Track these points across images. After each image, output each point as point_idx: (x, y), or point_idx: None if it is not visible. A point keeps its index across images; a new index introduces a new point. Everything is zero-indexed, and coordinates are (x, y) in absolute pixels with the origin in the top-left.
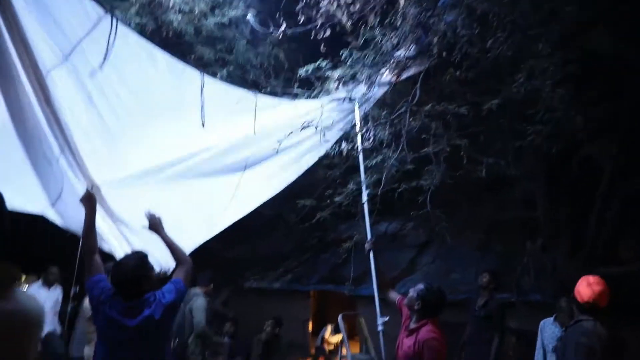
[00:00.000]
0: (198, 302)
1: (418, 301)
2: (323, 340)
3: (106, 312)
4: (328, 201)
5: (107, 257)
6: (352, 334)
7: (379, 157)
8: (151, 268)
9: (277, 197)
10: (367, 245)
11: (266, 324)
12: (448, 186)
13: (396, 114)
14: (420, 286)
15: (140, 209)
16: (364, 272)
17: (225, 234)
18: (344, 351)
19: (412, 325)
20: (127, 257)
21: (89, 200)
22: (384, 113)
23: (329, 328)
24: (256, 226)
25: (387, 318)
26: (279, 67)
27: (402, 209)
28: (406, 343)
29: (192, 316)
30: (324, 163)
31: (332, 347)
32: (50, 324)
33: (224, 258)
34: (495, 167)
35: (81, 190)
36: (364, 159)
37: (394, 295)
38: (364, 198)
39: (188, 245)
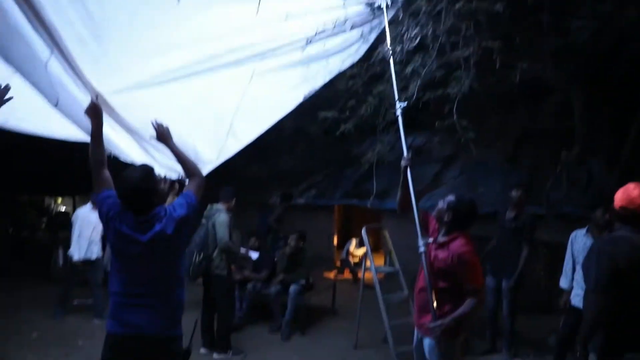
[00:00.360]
0: (220, 217)
1: (448, 212)
2: (348, 253)
3: (117, 227)
4: (347, 113)
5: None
6: (377, 246)
7: (407, 65)
8: (159, 180)
9: (298, 109)
10: (403, 162)
11: (290, 237)
12: (477, 95)
13: (424, 14)
14: (451, 197)
15: (150, 118)
16: (387, 186)
17: (247, 151)
18: (368, 263)
19: (442, 239)
20: (132, 170)
21: (95, 112)
22: (410, 13)
23: (354, 241)
24: (277, 142)
25: (430, 239)
26: None
27: (428, 122)
28: (439, 256)
29: (215, 231)
30: (347, 73)
31: (357, 260)
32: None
33: (246, 175)
34: (530, 71)
35: (81, 99)
36: (388, 66)
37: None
38: (398, 111)
39: (208, 161)
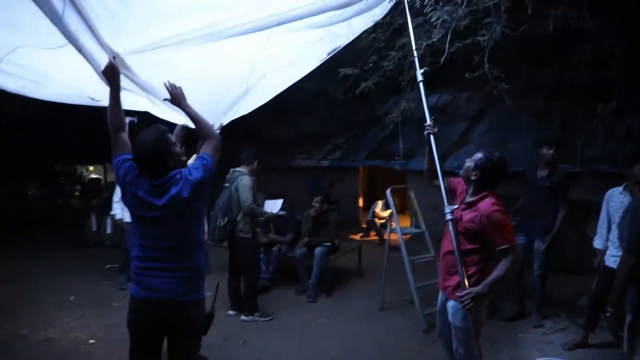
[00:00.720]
0: (243, 180)
1: (476, 171)
2: (374, 215)
3: (133, 191)
4: (369, 70)
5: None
6: (403, 208)
7: (433, 13)
8: (173, 143)
9: (318, 69)
10: (426, 130)
11: (314, 200)
12: (507, 45)
13: None
14: (479, 155)
15: (164, 79)
16: (412, 147)
17: (269, 113)
18: (394, 225)
19: (469, 198)
20: (145, 133)
21: (112, 73)
22: None
23: (380, 203)
24: (299, 103)
25: (456, 207)
26: None
27: (454, 78)
28: (465, 217)
29: (238, 195)
30: (368, 29)
31: (383, 222)
32: None
33: (269, 137)
34: (565, 19)
35: (98, 56)
36: (412, 16)
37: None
38: (419, 75)
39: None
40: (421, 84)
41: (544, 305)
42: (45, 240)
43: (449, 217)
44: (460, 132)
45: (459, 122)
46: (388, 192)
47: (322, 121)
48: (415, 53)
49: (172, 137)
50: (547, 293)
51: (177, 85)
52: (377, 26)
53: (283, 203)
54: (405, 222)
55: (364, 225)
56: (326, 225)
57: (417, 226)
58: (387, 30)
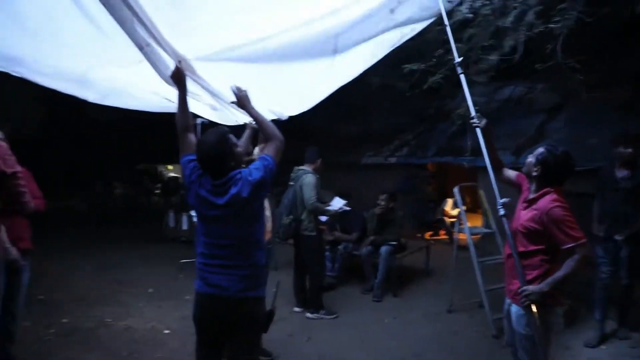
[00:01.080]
0: (307, 179)
1: (537, 167)
2: (443, 213)
3: (197, 190)
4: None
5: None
6: (475, 206)
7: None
8: (234, 144)
9: (383, 63)
10: (476, 122)
11: (380, 198)
12: (585, 31)
13: None
14: (541, 149)
15: (228, 83)
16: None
17: (336, 111)
18: (462, 224)
19: (531, 196)
20: (207, 134)
21: (179, 77)
22: None
23: (450, 201)
24: (365, 100)
25: (508, 200)
26: None
27: (529, 69)
28: (524, 216)
29: (302, 193)
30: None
31: (453, 220)
32: None
33: (336, 135)
34: None
35: (166, 61)
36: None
37: (511, 174)
38: (460, 72)
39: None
40: (461, 75)
41: (630, 315)
42: (129, 235)
43: (501, 212)
44: (536, 126)
45: (535, 115)
46: (456, 189)
47: (389, 117)
48: (451, 37)
49: (234, 138)
50: (635, 302)
51: (243, 88)
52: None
53: (348, 202)
54: (477, 222)
55: (435, 225)
56: (392, 223)
57: (488, 226)
58: (454, 22)
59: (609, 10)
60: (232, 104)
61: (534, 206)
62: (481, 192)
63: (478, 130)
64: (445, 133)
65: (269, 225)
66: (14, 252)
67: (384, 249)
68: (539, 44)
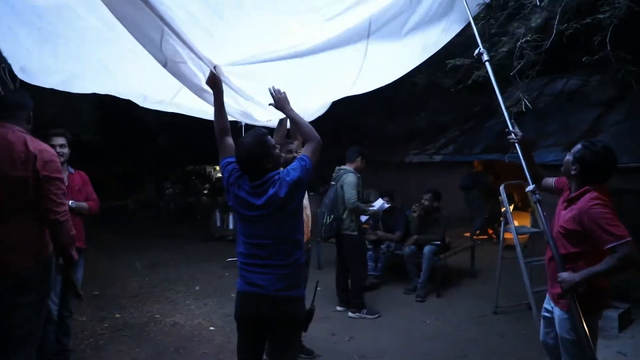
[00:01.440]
0: (348, 178)
1: (575, 165)
2: (490, 212)
3: (235, 192)
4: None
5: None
6: (525, 205)
7: None
8: (272, 146)
9: (429, 61)
10: (512, 138)
11: (424, 197)
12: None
13: None
14: (578, 146)
15: (265, 86)
16: (533, 137)
17: (382, 110)
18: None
19: (571, 195)
20: (246, 136)
21: (214, 82)
22: None
23: (499, 199)
24: (411, 98)
25: (533, 186)
26: None
27: (583, 63)
28: (564, 216)
29: (343, 192)
30: (480, 14)
31: (501, 219)
32: None
33: (383, 134)
34: None
35: (196, 72)
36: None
37: (549, 182)
38: (489, 69)
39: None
40: (488, 64)
41: None
42: (178, 234)
43: (536, 197)
44: (590, 121)
45: (590, 110)
46: (502, 188)
47: (435, 115)
48: (474, 28)
49: (272, 140)
50: None
51: (282, 90)
52: (490, 10)
53: (389, 200)
54: (525, 221)
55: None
56: (436, 223)
57: (536, 225)
58: (500, 15)
59: None
60: (270, 106)
61: (574, 206)
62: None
63: (516, 145)
64: (492, 130)
65: (309, 224)
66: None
67: (427, 249)
68: (587, 35)
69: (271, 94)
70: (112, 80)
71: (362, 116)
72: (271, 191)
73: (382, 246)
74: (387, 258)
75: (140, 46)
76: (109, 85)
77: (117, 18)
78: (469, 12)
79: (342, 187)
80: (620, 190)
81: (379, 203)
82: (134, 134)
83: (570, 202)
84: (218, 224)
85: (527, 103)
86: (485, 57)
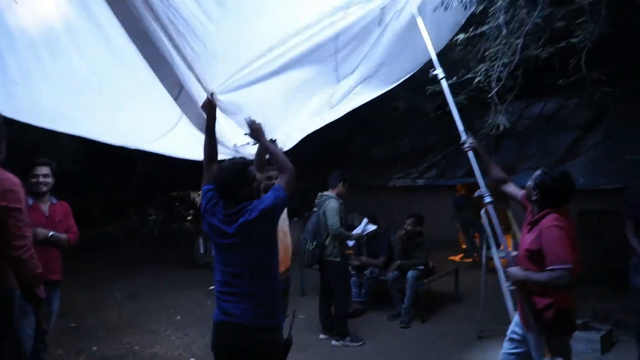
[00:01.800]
0: (330, 204)
1: (536, 190)
2: (474, 235)
3: (210, 219)
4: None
5: None
6: (507, 228)
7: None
8: (251, 176)
9: (409, 86)
10: (468, 144)
11: (406, 221)
12: (616, 42)
13: None
14: (538, 172)
15: (246, 113)
16: (514, 160)
17: (365, 135)
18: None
19: (532, 217)
20: (225, 163)
21: (210, 107)
22: None
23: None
24: (393, 122)
25: (484, 190)
26: None
27: (560, 86)
28: (526, 240)
29: (326, 218)
30: (458, 41)
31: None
32: None
33: (367, 158)
34: None
35: (198, 95)
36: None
37: (515, 190)
38: (445, 86)
39: (297, 136)
40: (443, 82)
41: None
42: (161, 261)
43: (487, 199)
44: (568, 144)
45: (567, 132)
46: (483, 212)
47: (417, 139)
48: (432, 52)
49: (253, 171)
50: None
51: (257, 121)
52: (470, 38)
53: (375, 226)
54: (508, 243)
55: (464, 246)
56: (419, 247)
57: (516, 248)
58: (478, 42)
59: (634, 23)
60: (246, 136)
61: (536, 227)
62: (509, 214)
63: (469, 153)
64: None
65: (289, 251)
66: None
67: (410, 274)
68: (563, 59)
69: (248, 124)
70: (94, 124)
71: (345, 140)
72: (242, 219)
73: (365, 272)
74: (370, 284)
75: (122, 91)
76: (87, 128)
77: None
78: (429, 42)
79: (324, 213)
80: (599, 211)
81: (363, 224)
82: (116, 161)
83: (533, 224)
84: (202, 250)
85: (506, 123)
86: (440, 75)
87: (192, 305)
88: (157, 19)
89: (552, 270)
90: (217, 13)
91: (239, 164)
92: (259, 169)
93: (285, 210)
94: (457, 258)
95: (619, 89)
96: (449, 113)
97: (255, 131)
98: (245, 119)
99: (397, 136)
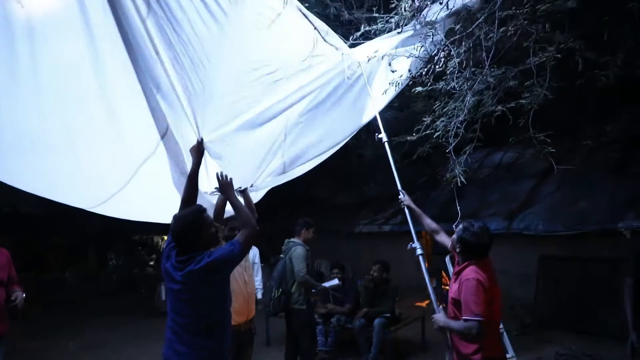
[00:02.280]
0: (297, 251)
1: (458, 243)
2: (442, 282)
3: (164, 263)
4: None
5: None
6: None
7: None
8: (206, 222)
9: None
10: (403, 202)
11: (372, 268)
12: (564, 100)
13: (477, 25)
14: (460, 226)
15: (226, 159)
16: (477, 207)
17: (333, 181)
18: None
19: (457, 269)
20: (180, 212)
21: (197, 151)
22: (458, 26)
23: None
24: (360, 169)
25: (416, 246)
26: None
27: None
28: (452, 289)
29: (292, 265)
30: (423, 93)
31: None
32: None
33: (334, 204)
34: (627, 68)
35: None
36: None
37: (446, 240)
38: (384, 139)
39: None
40: (387, 150)
41: None
42: (121, 309)
43: (419, 251)
44: (527, 191)
45: (526, 180)
46: (447, 259)
47: (384, 186)
48: (379, 121)
49: (208, 218)
50: None
51: (229, 177)
52: (431, 90)
53: (339, 272)
54: None
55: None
56: (385, 294)
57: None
58: (438, 95)
59: (584, 80)
60: (215, 189)
61: (459, 278)
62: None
63: (405, 207)
64: (437, 200)
65: (251, 301)
66: None
67: (377, 322)
68: (514, 116)
69: (217, 178)
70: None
71: (312, 186)
72: (188, 268)
73: (332, 320)
74: (337, 332)
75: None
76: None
77: None
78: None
79: (290, 259)
80: (560, 258)
81: (333, 282)
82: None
83: (457, 274)
84: (163, 297)
85: (463, 179)
86: (384, 139)
87: (149, 357)
88: (158, 53)
89: (465, 320)
90: (215, 56)
91: (194, 212)
92: (216, 219)
93: (249, 259)
94: (423, 304)
95: (565, 145)
96: (414, 161)
97: (224, 185)
98: (217, 173)
99: (364, 182)
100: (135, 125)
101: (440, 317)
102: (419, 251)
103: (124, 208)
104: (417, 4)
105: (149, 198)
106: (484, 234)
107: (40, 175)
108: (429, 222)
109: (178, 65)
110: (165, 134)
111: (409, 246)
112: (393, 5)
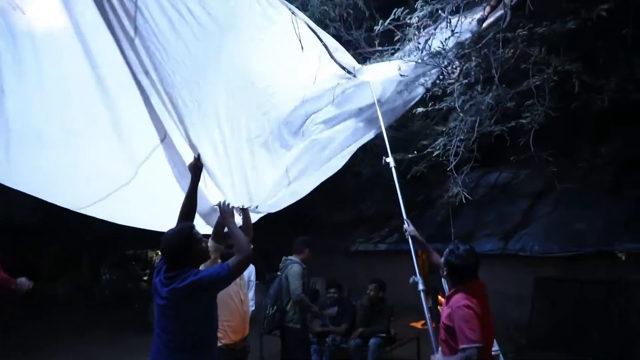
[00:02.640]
0: (293, 269)
1: (445, 267)
2: (437, 301)
3: (155, 277)
4: (417, 154)
5: None
6: None
7: (469, 99)
8: (195, 238)
9: (373, 154)
10: (407, 232)
11: (369, 287)
12: (561, 122)
13: (483, 43)
14: (447, 249)
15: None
16: (473, 227)
17: (330, 200)
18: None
19: (447, 294)
20: (170, 230)
21: (195, 168)
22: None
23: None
24: (357, 188)
25: (417, 278)
26: (359, 16)
27: (515, 156)
28: (443, 313)
29: (288, 283)
30: (418, 113)
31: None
32: None
33: (329, 223)
34: (621, 92)
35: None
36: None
37: (439, 261)
38: (391, 164)
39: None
40: (394, 174)
41: None
42: (114, 324)
43: (420, 287)
44: (522, 211)
45: (521, 201)
46: (443, 280)
47: (380, 205)
48: (386, 139)
49: (197, 234)
50: None
51: (230, 205)
52: (428, 111)
53: (336, 291)
54: None
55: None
56: (381, 314)
57: None
58: (435, 116)
59: (580, 103)
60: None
61: (449, 303)
62: None
63: (409, 237)
64: (433, 219)
65: (245, 320)
66: None
67: (372, 342)
68: (513, 136)
69: (219, 207)
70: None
71: (309, 203)
72: (173, 285)
73: (327, 339)
74: (332, 352)
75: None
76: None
77: None
78: (382, 125)
79: (286, 277)
80: (556, 279)
81: (332, 310)
82: (73, 212)
83: (447, 299)
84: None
85: (467, 195)
86: (391, 164)
87: None
88: (147, 73)
89: (463, 350)
90: (212, 73)
91: (184, 230)
92: (215, 239)
93: (244, 277)
94: (418, 324)
95: (561, 165)
96: (410, 180)
97: (225, 212)
98: (220, 202)
99: (361, 201)
100: (134, 125)
101: (439, 358)
102: (420, 286)
103: (118, 210)
104: (423, 36)
105: (144, 203)
106: (469, 256)
107: (37, 174)
108: (436, 257)
109: (168, 85)
110: (164, 139)
111: (411, 280)
112: (397, 38)
